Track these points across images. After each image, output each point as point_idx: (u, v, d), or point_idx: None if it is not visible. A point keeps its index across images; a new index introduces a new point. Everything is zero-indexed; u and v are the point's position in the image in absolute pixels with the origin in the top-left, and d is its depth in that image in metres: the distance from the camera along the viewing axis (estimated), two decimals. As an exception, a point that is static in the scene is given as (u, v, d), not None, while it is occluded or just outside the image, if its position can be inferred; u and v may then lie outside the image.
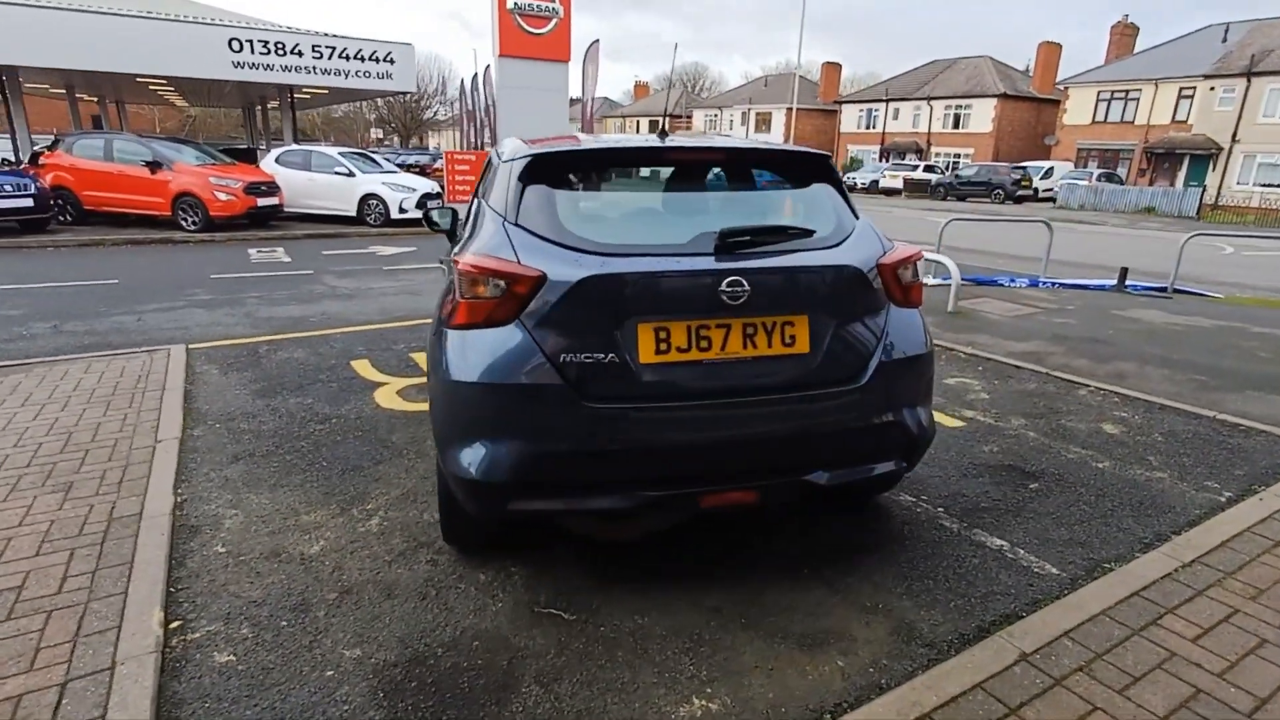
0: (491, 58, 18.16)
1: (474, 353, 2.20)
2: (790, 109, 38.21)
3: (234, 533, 2.83)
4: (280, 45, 15.26)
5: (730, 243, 2.29)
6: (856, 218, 2.61)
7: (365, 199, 14.12)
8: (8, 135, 16.28)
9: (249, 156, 17.91)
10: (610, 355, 2.17)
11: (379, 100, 40.13)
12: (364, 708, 1.93)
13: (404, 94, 22.19)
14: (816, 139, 45.87)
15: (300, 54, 15.53)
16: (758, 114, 51.53)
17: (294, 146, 15.81)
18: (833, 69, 50.93)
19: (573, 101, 22.08)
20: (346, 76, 16.18)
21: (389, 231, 13.77)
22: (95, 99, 26.48)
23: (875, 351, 2.41)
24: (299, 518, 2.95)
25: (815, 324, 2.32)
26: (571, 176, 2.47)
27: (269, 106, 24.79)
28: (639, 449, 2.22)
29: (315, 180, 14.30)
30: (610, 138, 2.66)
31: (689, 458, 2.28)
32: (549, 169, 2.41)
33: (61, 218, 12.45)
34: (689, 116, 58.64)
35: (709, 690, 2.02)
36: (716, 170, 2.78)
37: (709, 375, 2.24)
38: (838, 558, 2.72)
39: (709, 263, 2.23)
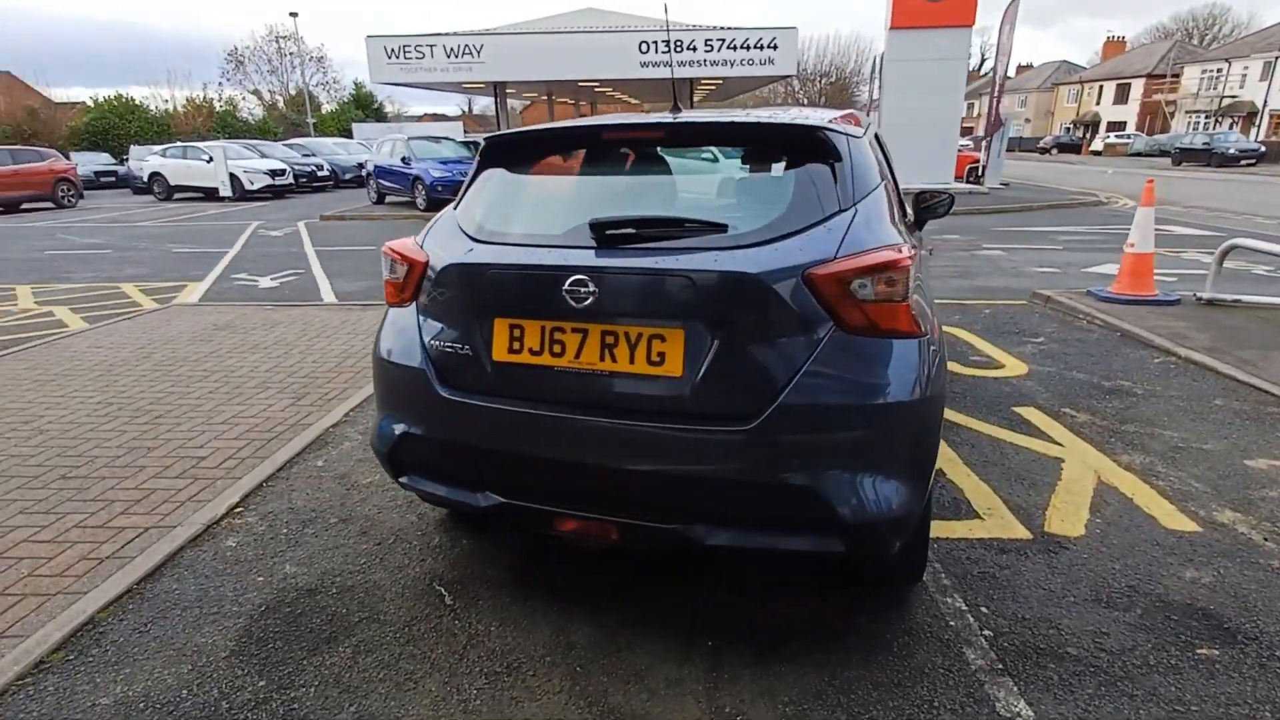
0: (883, 31, 17.17)
1: (384, 329, 2.34)
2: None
3: (341, 454, 3.53)
4: (679, 43, 16.90)
5: (608, 235, 1.96)
6: (848, 208, 1.95)
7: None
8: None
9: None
10: (467, 347, 2.09)
11: (796, 85, 41.13)
12: (251, 618, 2.31)
13: (785, 78, 22.38)
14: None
15: (694, 49, 16.96)
16: (1297, 63, 37.67)
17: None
18: None
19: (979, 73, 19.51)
20: (732, 66, 17.12)
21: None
22: (572, 102, 33.12)
23: (783, 388, 1.80)
24: (383, 453, 3.52)
25: (693, 341, 1.85)
26: (521, 162, 2.37)
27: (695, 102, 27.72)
28: (488, 449, 2.10)
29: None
30: (575, 121, 2.44)
31: (538, 471, 2.07)
32: (501, 153, 2.37)
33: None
34: (1175, 75, 46.03)
35: (435, 712, 1.87)
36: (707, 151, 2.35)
37: (561, 384, 1.98)
38: (776, 642, 2.13)
39: (562, 257, 1.96)
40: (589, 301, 1.89)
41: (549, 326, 1.98)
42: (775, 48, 16.93)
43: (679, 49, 16.83)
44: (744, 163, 2.17)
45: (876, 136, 2.99)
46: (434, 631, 2.21)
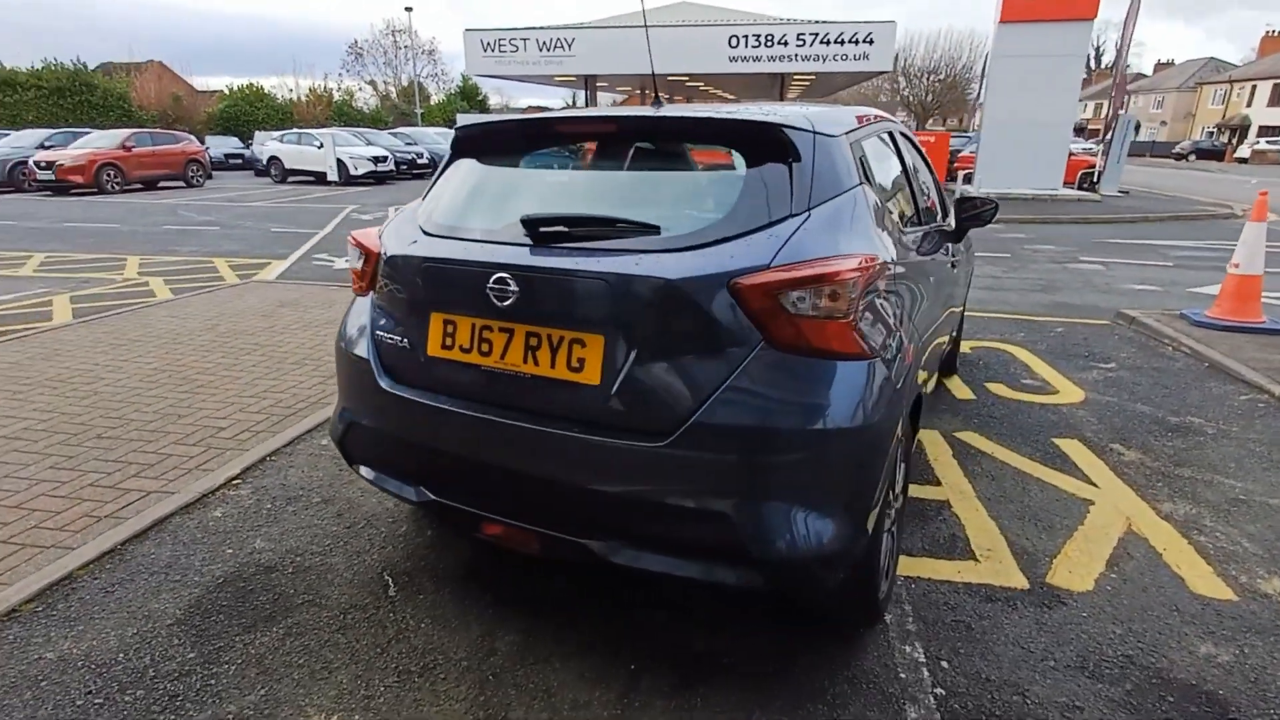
0: (991, 25, 16.18)
1: (346, 318, 2.35)
2: None
3: (346, 435, 3.62)
4: (769, 37, 16.51)
5: (541, 233, 1.88)
6: (801, 213, 1.79)
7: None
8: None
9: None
10: (406, 340, 2.07)
11: (902, 83, 39.34)
12: (206, 589, 2.39)
13: (880, 73, 21.36)
14: None
15: (786, 43, 16.51)
16: None
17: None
18: None
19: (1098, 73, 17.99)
20: (824, 61, 16.55)
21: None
22: (667, 97, 33.04)
23: (699, 405, 1.67)
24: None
25: (612, 349, 1.74)
26: (485, 153, 2.32)
27: (789, 97, 27.06)
28: (419, 444, 2.08)
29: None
30: (544, 114, 2.33)
31: (463, 471, 2.02)
32: (468, 144, 2.33)
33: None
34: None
35: (338, 705, 1.84)
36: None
37: (488, 384, 1.92)
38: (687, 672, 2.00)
39: (490, 253, 1.89)
40: (510, 301, 1.82)
41: (478, 324, 1.92)
42: (871, 42, 16.23)
43: (770, 43, 16.43)
44: (719, 163, 2.03)
45: (891, 135, 2.77)
46: (366, 622, 2.21)
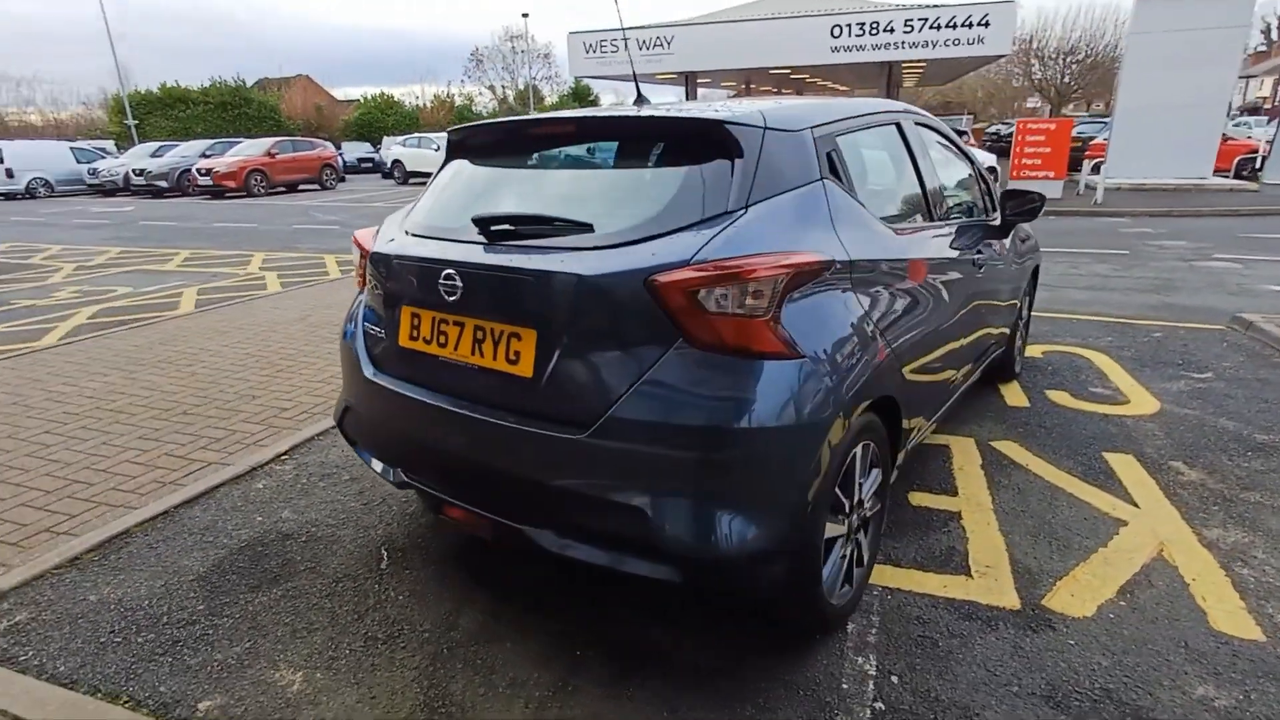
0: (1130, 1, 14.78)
1: (350, 310, 2.56)
2: None
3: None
4: (875, 24, 15.85)
5: (493, 231, 1.97)
6: (737, 210, 1.78)
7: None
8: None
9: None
10: (384, 332, 2.23)
11: (1036, 68, 36.36)
12: (230, 551, 2.67)
13: (997, 58, 19.80)
14: None
15: (892, 30, 15.80)
16: None
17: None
18: None
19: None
20: (934, 47, 15.70)
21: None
22: (774, 90, 32.45)
23: (616, 399, 1.70)
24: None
25: (544, 343, 1.81)
26: (467, 155, 2.42)
27: (905, 86, 25.89)
28: (395, 428, 2.23)
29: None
30: (509, 118, 2.37)
31: (426, 456, 2.15)
32: (455, 147, 2.46)
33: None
34: None
35: (306, 662, 2.01)
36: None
37: (444, 373, 2.05)
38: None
39: (441, 251, 2.01)
40: (456, 296, 1.93)
41: (436, 317, 2.04)
42: (987, 25, 15.17)
43: (875, 31, 15.76)
44: (648, 160, 2.04)
45: (900, 128, 2.65)
46: (353, 590, 2.40)
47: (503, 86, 48.16)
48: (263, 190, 21.28)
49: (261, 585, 2.45)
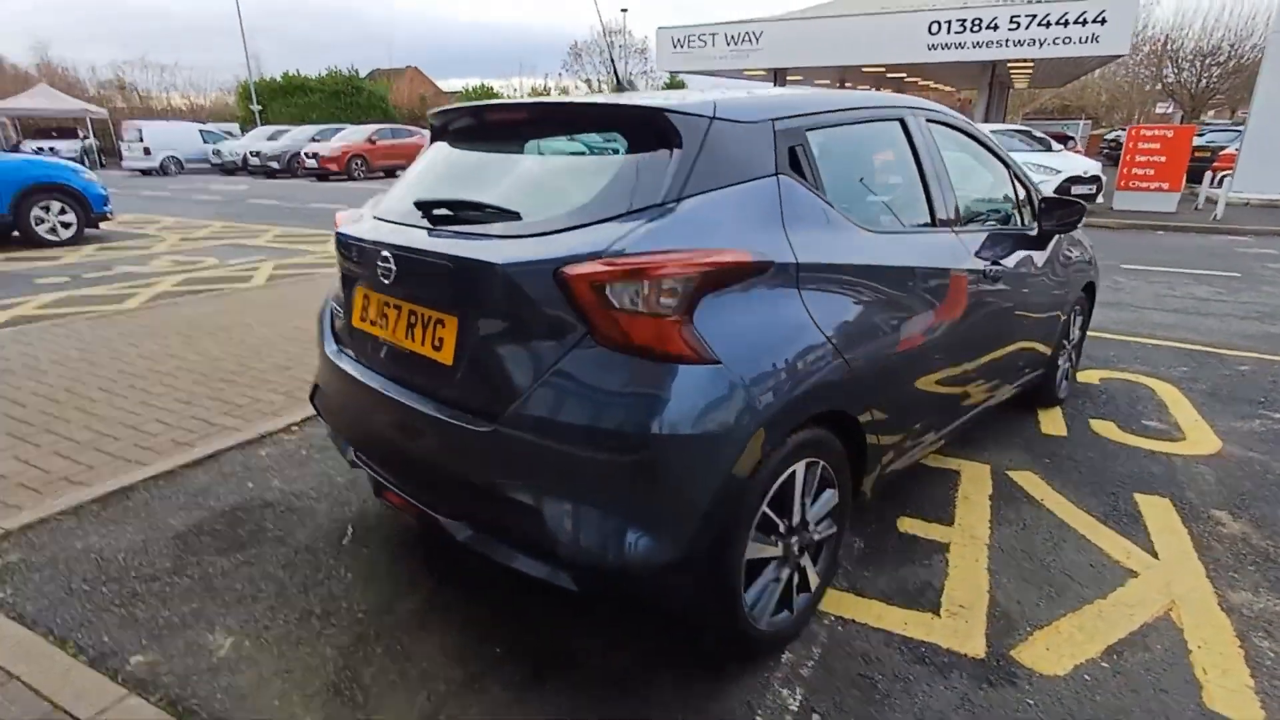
0: (1274, -6, 13.36)
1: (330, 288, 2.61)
2: None
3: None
4: (977, 21, 14.98)
5: (435, 215, 1.95)
6: (669, 202, 1.69)
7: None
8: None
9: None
10: (341, 311, 2.26)
11: (1169, 72, 33.24)
12: (212, 513, 2.79)
13: (1114, 58, 18.17)
14: None
15: (996, 27, 14.88)
16: None
17: (961, 125, 15.48)
18: None
19: None
20: (1041, 45, 14.67)
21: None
22: (872, 89, 31.30)
23: (519, 394, 1.65)
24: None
25: (463, 331, 1.77)
26: (441, 139, 2.40)
27: (1016, 87, 24.42)
28: (347, 406, 2.25)
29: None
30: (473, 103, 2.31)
31: (369, 435, 2.16)
32: (439, 132, 2.45)
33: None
34: None
35: (240, 629, 2.06)
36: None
37: (385, 356, 2.05)
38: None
39: (380, 233, 2.01)
40: (390, 280, 1.92)
41: (381, 300, 2.04)
42: (1103, 22, 13.99)
43: (976, 28, 14.86)
44: (591, 148, 1.96)
45: (905, 125, 2.46)
46: (308, 564, 2.45)
47: (599, 80, 48.66)
48: (363, 174, 22.38)
49: (229, 549, 2.54)
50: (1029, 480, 3.04)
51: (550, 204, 1.85)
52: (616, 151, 1.87)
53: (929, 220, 2.47)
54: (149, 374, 4.31)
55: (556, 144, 2.06)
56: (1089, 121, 37.64)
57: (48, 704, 1.83)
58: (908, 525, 2.69)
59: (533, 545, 1.69)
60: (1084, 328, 4.05)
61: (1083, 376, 4.36)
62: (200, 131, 27.26)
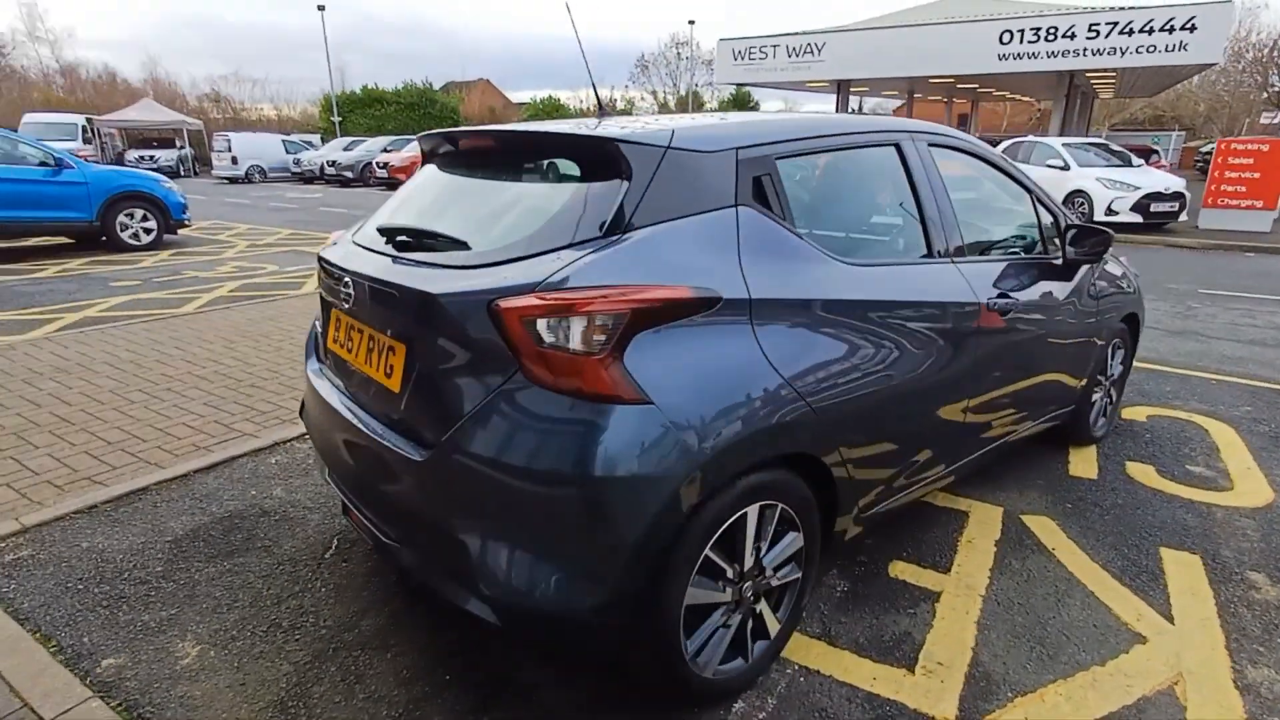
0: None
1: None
2: None
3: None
4: (1052, 30, 14.34)
5: (399, 241, 1.97)
6: (614, 234, 1.65)
7: (1070, 196, 12.32)
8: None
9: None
10: (322, 330, 2.31)
11: (1276, 74, 30.88)
12: (211, 519, 2.90)
13: (1205, 67, 16.89)
14: None
15: (1073, 35, 14.20)
16: None
17: (1032, 138, 14.86)
18: None
19: None
20: (1123, 54, 13.90)
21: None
22: (943, 100, 30.39)
23: (451, 425, 1.63)
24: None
25: (410, 361, 1.78)
26: (434, 163, 2.42)
27: (1101, 97, 23.28)
28: (321, 424, 2.29)
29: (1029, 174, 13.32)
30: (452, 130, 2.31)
31: (335, 453, 2.18)
32: (427, 156, 2.49)
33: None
34: None
35: (209, 639, 2.11)
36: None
37: (350, 378, 2.08)
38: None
39: (346, 258, 2.03)
40: (349, 305, 1.95)
41: (348, 323, 2.08)
42: (1193, 29, 13.12)
43: (1051, 36, 14.18)
44: (547, 178, 1.93)
45: (899, 149, 2.35)
46: (287, 576, 2.51)
47: (665, 92, 49.03)
48: (429, 184, 23.14)
49: (218, 556, 2.62)
50: (1044, 526, 2.83)
51: (499, 234, 1.84)
52: (571, 181, 1.84)
53: (925, 251, 2.34)
54: (187, 377, 4.53)
55: (516, 172, 2.04)
56: (1183, 133, 35.46)
57: (19, 700, 1.91)
58: (899, 570, 2.55)
59: (464, 580, 1.67)
60: (1126, 362, 3.77)
61: (1128, 413, 4.07)
62: (283, 141, 28.76)
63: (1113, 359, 3.56)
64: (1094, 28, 13.87)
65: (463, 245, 1.80)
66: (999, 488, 3.15)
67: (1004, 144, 14.61)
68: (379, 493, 1.91)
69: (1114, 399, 3.73)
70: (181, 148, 30.31)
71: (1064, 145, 13.01)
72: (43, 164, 9.21)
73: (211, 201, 18.27)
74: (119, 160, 26.76)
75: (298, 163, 27.30)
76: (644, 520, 1.56)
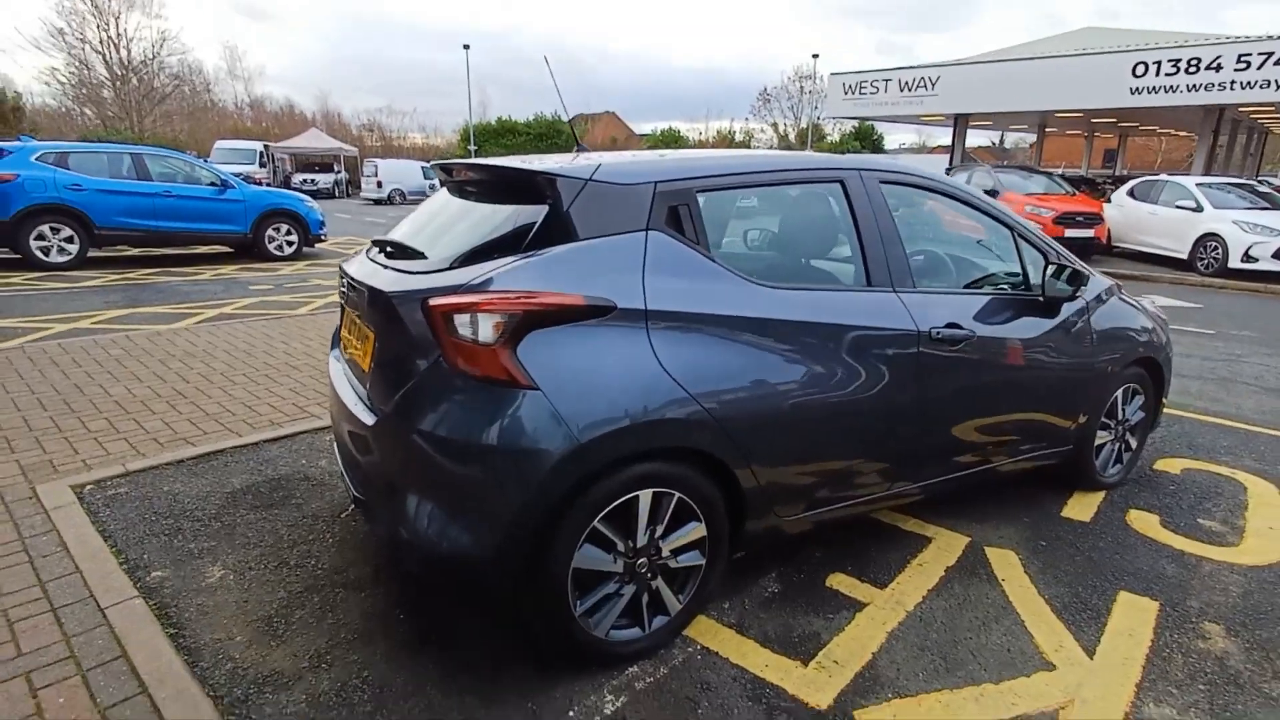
0: None
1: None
2: None
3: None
4: (1194, 61, 13.34)
5: (387, 252, 2.42)
6: (535, 250, 2.00)
7: (1201, 240, 11.36)
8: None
9: (1092, 186, 16.65)
10: (341, 323, 2.80)
11: None
12: (271, 476, 3.47)
13: None
14: None
15: (1218, 68, 13.14)
16: None
17: (1165, 176, 13.77)
18: None
19: None
20: (1276, 88, 12.66)
21: (1217, 283, 10.91)
22: (1083, 134, 28.54)
23: (391, 399, 2.03)
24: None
25: (376, 345, 2.20)
26: (446, 188, 2.87)
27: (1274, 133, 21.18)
28: (330, 402, 2.76)
29: (1156, 214, 12.40)
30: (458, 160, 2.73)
31: (335, 426, 2.64)
32: (442, 181, 2.94)
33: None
34: None
35: (233, 566, 2.60)
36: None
37: (348, 359, 2.54)
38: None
39: (355, 264, 2.48)
40: (350, 302, 2.41)
41: (350, 316, 2.54)
42: (1364, 59, 11.77)
43: (1193, 69, 13.14)
44: (496, 202, 2.31)
45: (845, 187, 2.55)
46: (305, 528, 3.00)
47: (785, 124, 49.10)
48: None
49: (259, 507, 3.17)
50: (1003, 559, 2.85)
51: (449, 247, 2.23)
52: (511, 204, 2.21)
53: (865, 280, 2.51)
54: (283, 365, 5.29)
55: (480, 197, 2.44)
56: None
57: (87, 591, 2.48)
58: (836, 581, 2.68)
59: (394, 527, 2.04)
60: (1150, 408, 3.62)
61: (1162, 464, 3.88)
62: (421, 168, 31.44)
63: (1127, 404, 3.46)
64: (1244, 58, 12.73)
65: (421, 255, 2.22)
66: (980, 519, 3.17)
67: (1132, 182, 13.66)
68: (352, 455, 2.34)
69: (1133, 446, 3.60)
70: (338, 172, 33.84)
71: (1198, 185, 12.01)
72: (212, 184, 10.82)
73: (354, 220, 20.33)
74: (286, 182, 30.25)
75: (433, 187, 29.69)
76: (529, 486, 1.86)
